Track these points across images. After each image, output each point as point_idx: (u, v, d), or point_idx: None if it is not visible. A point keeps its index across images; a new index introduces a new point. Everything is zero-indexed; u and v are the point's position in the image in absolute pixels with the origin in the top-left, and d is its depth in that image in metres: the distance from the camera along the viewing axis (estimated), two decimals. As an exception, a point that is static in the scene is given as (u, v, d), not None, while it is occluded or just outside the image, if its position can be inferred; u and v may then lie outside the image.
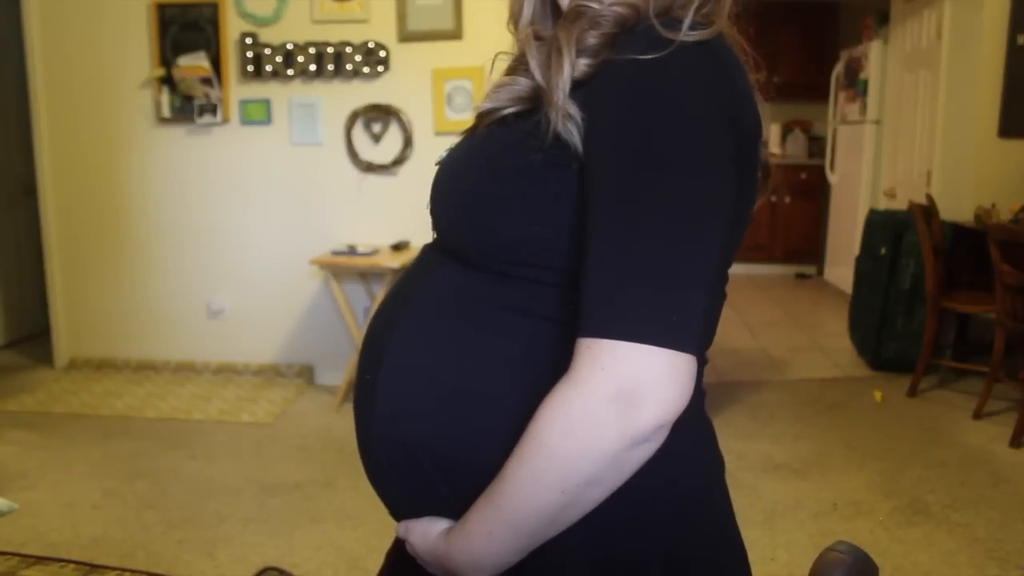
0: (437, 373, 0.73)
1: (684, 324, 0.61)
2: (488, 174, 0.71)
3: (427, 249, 0.82)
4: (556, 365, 0.65)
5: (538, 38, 0.74)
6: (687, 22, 0.65)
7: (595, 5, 0.69)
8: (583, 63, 0.66)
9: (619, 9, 0.67)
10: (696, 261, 0.62)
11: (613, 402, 0.60)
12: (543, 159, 0.67)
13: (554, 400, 0.63)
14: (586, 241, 0.63)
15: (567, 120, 0.65)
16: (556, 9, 0.80)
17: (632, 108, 0.63)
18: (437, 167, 0.81)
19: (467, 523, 0.70)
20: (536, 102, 0.70)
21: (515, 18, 0.84)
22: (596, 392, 0.60)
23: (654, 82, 0.63)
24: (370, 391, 0.77)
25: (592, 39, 0.67)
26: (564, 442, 0.61)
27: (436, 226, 0.79)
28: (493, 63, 0.82)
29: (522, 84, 0.71)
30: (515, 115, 0.71)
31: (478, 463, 0.70)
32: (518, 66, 0.75)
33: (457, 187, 0.75)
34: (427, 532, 0.74)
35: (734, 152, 0.66)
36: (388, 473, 0.77)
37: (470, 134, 0.79)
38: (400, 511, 0.78)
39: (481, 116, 0.75)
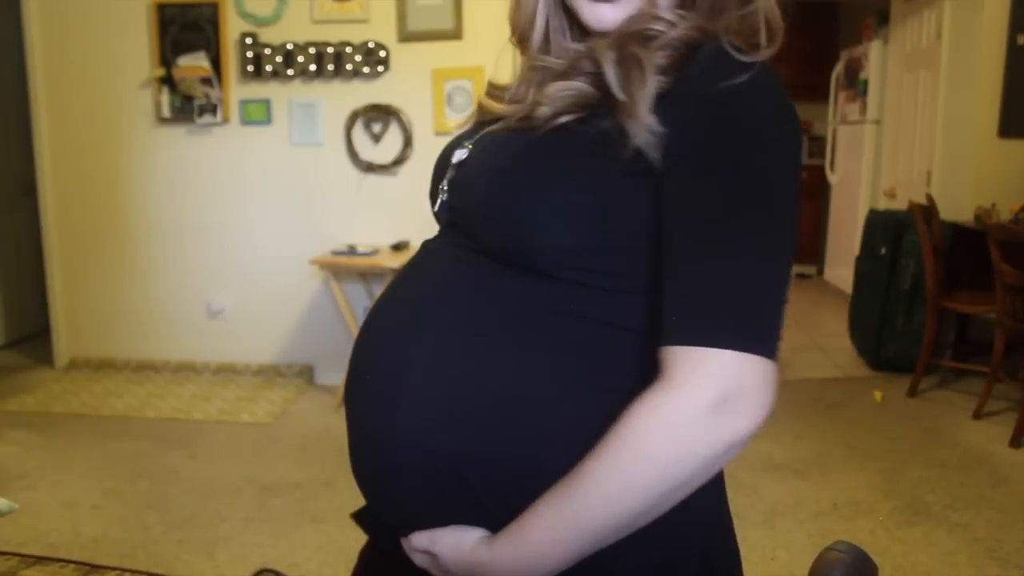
0: (486, 378, 0.71)
1: (775, 335, 0.65)
2: (555, 179, 0.70)
3: (442, 246, 0.79)
4: (616, 369, 0.70)
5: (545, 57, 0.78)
6: (763, 43, 0.71)
7: (661, 28, 0.70)
8: (659, 79, 0.69)
9: (690, 33, 0.70)
10: (783, 275, 0.67)
11: (717, 409, 0.62)
12: (620, 168, 0.68)
13: (652, 406, 0.64)
14: (680, 252, 0.66)
15: (649, 134, 0.67)
16: (572, 19, 0.81)
17: (724, 129, 0.66)
18: (458, 164, 0.79)
19: (525, 530, 0.68)
20: (595, 109, 0.71)
21: (523, 34, 0.84)
22: (701, 399, 0.62)
23: (741, 106, 0.66)
24: (389, 395, 0.74)
25: (662, 59, 0.69)
26: (666, 448, 0.63)
27: (470, 225, 0.75)
28: (523, 68, 0.84)
29: (584, 90, 0.72)
30: (576, 120, 0.72)
31: (534, 471, 0.69)
32: (570, 72, 0.74)
33: (512, 189, 0.71)
34: (460, 542, 0.71)
35: (800, 167, 0.71)
36: (411, 481, 0.73)
37: (505, 132, 0.77)
38: (416, 521, 0.75)
39: (527, 118, 0.74)
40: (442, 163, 0.84)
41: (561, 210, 0.69)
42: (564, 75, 0.75)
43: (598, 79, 0.71)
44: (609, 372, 0.71)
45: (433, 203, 0.83)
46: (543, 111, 0.72)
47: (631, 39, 0.71)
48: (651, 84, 0.67)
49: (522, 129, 0.74)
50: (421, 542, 0.74)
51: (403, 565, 0.77)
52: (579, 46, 0.78)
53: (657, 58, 0.69)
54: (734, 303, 0.64)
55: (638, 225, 0.69)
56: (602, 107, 0.70)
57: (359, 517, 0.86)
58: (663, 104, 0.67)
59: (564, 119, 0.71)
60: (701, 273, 0.64)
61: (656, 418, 0.63)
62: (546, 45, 0.84)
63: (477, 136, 0.81)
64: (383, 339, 0.77)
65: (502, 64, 0.93)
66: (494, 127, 0.79)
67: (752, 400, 0.63)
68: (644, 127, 0.66)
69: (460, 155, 0.80)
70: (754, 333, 0.63)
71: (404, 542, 0.77)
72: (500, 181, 0.73)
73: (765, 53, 0.70)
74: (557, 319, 0.71)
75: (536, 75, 0.80)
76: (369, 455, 0.77)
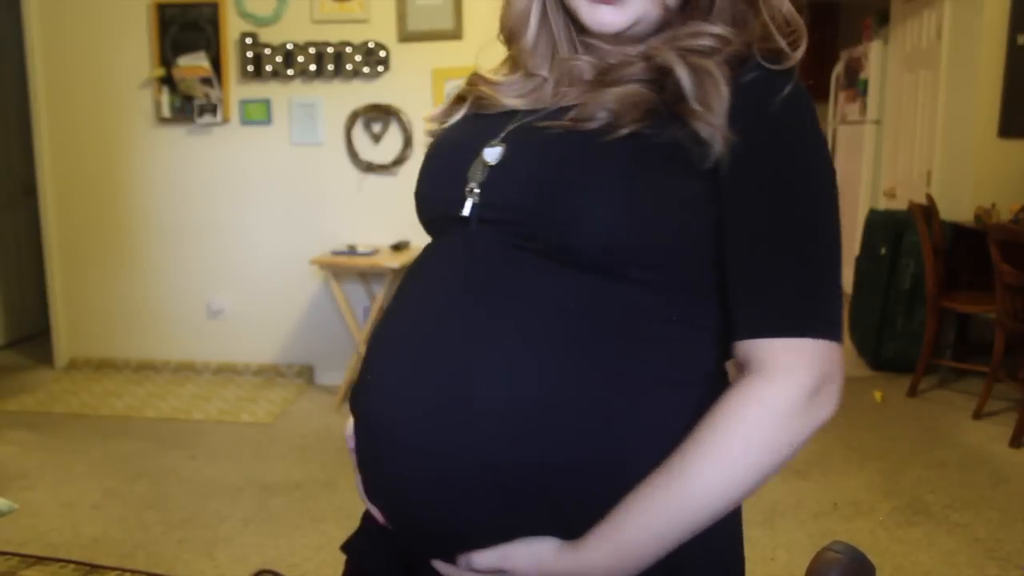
0: (561, 382, 0.70)
1: (841, 321, 0.72)
2: (628, 181, 0.71)
3: (474, 247, 0.75)
4: (683, 365, 0.73)
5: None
6: (784, 48, 0.73)
7: (716, 44, 0.72)
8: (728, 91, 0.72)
9: (740, 48, 0.73)
10: (840, 266, 0.73)
11: (815, 395, 0.68)
12: (691, 172, 0.71)
13: (758, 396, 0.68)
14: (762, 251, 0.70)
15: (724, 143, 0.69)
16: (574, 23, 0.81)
17: (791, 140, 0.72)
18: (497, 165, 0.75)
19: (622, 529, 0.68)
20: (656, 115, 0.72)
21: (513, 32, 0.84)
22: (803, 387, 0.68)
23: (799, 117, 0.72)
24: (451, 412, 0.70)
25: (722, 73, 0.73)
26: (774, 435, 0.67)
27: (531, 226, 0.72)
28: (513, 61, 0.85)
29: (649, 97, 0.72)
30: (642, 126, 0.72)
31: (621, 473, 0.70)
32: (623, 77, 0.74)
33: (587, 190, 0.71)
34: (538, 553, 0.70)
35: None
36: (481, 499, 0.70)
37: (555, 131, 0.74)
38: (472, 541, 0.71)
39: (583, 119, 0.73)
40: (456, 162, 0.78)
41: (635, 212, 0.70)
42: (617, 79, 0.74)
43: (657, 86, 0.72)
44: (678, 368, 0.73)
45: (444, 205, 0.78)
46: (605, 116, 0.72)
47: (690, 52, 0.72)
48: (726, 95, 0.70)
49: (576, 130, 0.72)
50: (489, 560, 0.70)
51: None
52: (629, 48, 0.77)
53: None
54: (817, 295, 0.69)
55: (703, 226, 0.71)
56: (663, 113, 0.71)
57: (358, 546, 0.82)
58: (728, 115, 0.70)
59: (634, 127, 0.71)
60: (785, 270, 0.69)
61: (764, 407, 0.67)
62: (541, 44, 0.82)
63: (504, 134, 0.77)
64: (427, 350, 0.73)
65: (487, 60, 0.92)
66: (539, 123, 0.76)
67: (836, 385, 0.70)
68: (722, 136, 0.69)
69: (493, 154, 0.76)
70: (832, 322, 0.69)
71: (447, 566, 0.72)
72: (571, 182, 0.71)
73: (796, 56, 0.73)
74: (625, 318, 0.71)
75: (559, 74, 0.80)
76: (419, 478, 0.72)
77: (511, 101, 0.81)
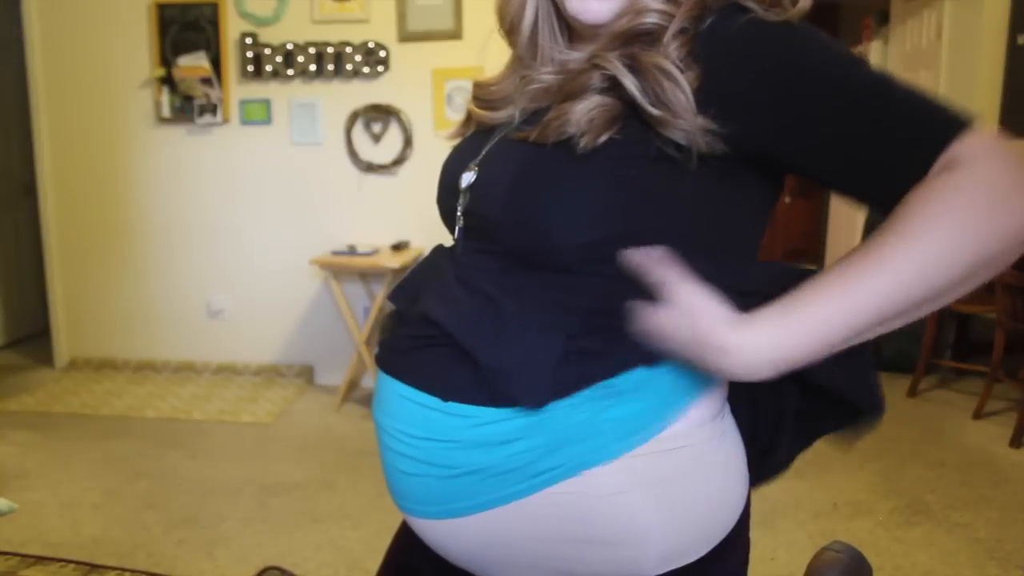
0: None
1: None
2: (609, 190, 0.68)
3: (467, 258, 0.78)
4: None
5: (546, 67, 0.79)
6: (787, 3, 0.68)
7: (658, 20, 0.68)
8: (691, 75, 0.66)
9: (692, 12, 0.67)
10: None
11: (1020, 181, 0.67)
12: (649, 158, 0.68)
13: (964, 172, 0.65)
14: (856, 120, 0.64)
15: (705, 133, 0.65)
16: (562, 21, 0.80)
17: (772, 37, 0.65)
18: (469, 188, 0.78)
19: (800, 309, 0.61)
20: (626, 120, 0.68)
21: (512, 24, 0.83)
22: (1008, 164, 0.67)
23: (762, 17, 0.65)
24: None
25: (678, 51, 0.67)
26: (1001, 195, 0.65)
27: (492, 232, 0.73)
28: (510, 64, 0.85)
29: (611, 107, 0.68)
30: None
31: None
32: (579, 90, 0.70)
33: (534, 194, 0.70)
34: (714, 309, 0.63)
35: None
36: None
37: (516, 143, 0.74)
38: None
39: (550, 130, 0.70)
40: (451, 183, 0.82)
41: (583, 208, 0.68)
42: (573, 92, 0.70)
43: (618, 91, 0.68)
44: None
45: (448, 221, 0.85)
46: (572, 130, 0.68)
47: (633, 42, 0.68)
48: (686, 88, 0.65)
49: (542, 143, 0.70)
50: (687, 295, 0.64)
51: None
52: (573, 55, 0.75)
53: (673, 52, 0.66)
54: (930, 101, 0.65)
55: (670, 207, 0.68)
56: (633, 118, 0.68)
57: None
58: (712, 77, 0.65)
59: (604, 138, 0.67)
60: (892, 118, 0.64)
61: (974, 175, 0.65)
62: (533, 40, 0.82)
63: (481, 155, 0.79)
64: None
65: (489, 58, 0.93)
66: (509, 136, 0.78)
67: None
68: (698, 129, 0.65)
69: (469, 178, 0.79)
70: (965, 114, 0.67)
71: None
72: (540, 195, 0.69)
73: (793, 13, 0.66)
74: (579, 312, 0.70)
75: (526, 84, 0.78)
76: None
77: (488, 114, 0.83)
